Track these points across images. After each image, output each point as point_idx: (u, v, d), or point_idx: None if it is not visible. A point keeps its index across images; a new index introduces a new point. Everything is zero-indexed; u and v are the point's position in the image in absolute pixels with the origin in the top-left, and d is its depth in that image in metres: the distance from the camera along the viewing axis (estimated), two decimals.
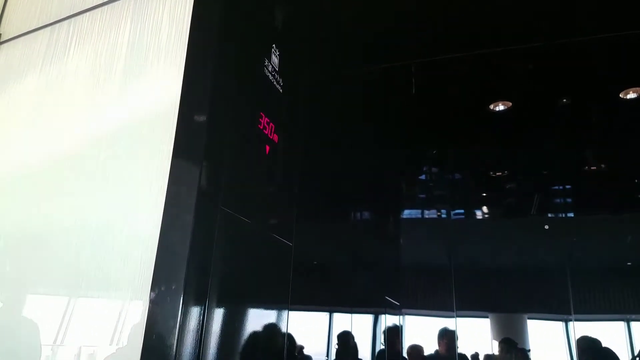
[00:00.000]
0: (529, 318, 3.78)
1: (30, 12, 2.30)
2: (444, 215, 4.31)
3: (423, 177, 4.26)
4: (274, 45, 2.05)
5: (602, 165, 3.59)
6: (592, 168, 3.63)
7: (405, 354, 3.82)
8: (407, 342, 3.86)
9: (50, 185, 1.85)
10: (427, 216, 4.33)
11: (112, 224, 1.61)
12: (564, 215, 3.97)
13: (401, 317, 3.94)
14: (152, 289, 1.42)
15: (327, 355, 2.90)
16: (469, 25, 2.36)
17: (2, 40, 2.35)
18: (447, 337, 3.75)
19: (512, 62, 2.61)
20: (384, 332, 3.76)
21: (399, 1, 2.25)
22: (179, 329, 1.36)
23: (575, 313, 3.51)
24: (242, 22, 1.85)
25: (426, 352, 3.78)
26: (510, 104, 3.04)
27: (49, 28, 2.16)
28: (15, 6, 2.42)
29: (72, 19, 2.09)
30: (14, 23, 2.36)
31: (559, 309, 3.59)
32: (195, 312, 1.43)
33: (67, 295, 1.64)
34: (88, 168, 1.76)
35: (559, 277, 3.63)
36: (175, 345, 1.34)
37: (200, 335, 1.44)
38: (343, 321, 3.09)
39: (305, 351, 2.60)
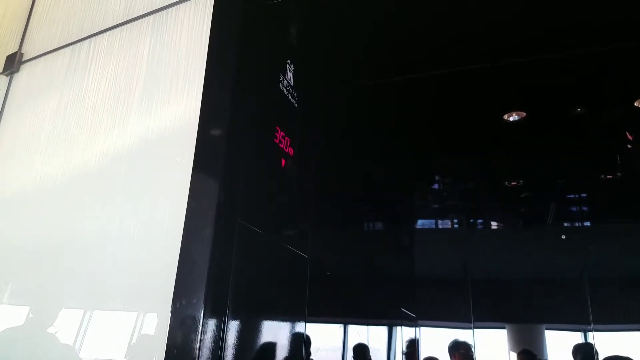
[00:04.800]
0: (547, 329, 3.73)
1: (52, 31, 2.37)
2: (456, 225, 4.29)
3: (436, 186, 4.25)
4: (288, 60, 2.09)
5: (618, 174, 3.55)
6: (608, 176, 3.59)
7: None
8: (424, 354, 3.82)
9: (72, 200, 1.89)
10: (441, 227, 4.31)
11: (133, 238, 1.64)
12: (580, 225, 3.93)
13: (417, 329, 3.90)
14: (174, 302, 1.43)
15: None
16: (481, 37, 2.37)
17: (24, 59, 2.41)
18: (460, 349, 3.71)
19: (526, 72, 2.62)
20: (400, 344, 3.72)
21: (412, 14, 2.28)
22: (200, 343, 1.37)
23: (594, 323, 3.45)
24: (259, 40, 1.88)
25: None
26: (525, 113, 3.04)
27: (69, 47, 2.22)
28: (37, 26, 2.49)
29: (93, 39, 2.14)
30: (35, 42, 2.43)
31: (577, 319, 3.54)
32: (216, 325, 1.44)
33: (88, 308, 1.66)
34: (109, 183, 1.79)
35: (577, 287, 3.58)
36: (197, 358, 1.35)
37: (221, 349, 1.45)
38: (359, 333, 3.08)
39: None
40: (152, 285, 1.53)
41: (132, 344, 1.52)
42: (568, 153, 3.48)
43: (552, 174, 3.72)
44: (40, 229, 1.94)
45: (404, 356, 3.67)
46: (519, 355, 3.61)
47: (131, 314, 1.56)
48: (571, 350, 3.38)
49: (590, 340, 3.43)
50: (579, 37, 2.31)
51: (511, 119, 3.05)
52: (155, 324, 1.49)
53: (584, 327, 3.47)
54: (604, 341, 3.39)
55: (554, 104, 2.93)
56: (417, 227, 4.25)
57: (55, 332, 1.71)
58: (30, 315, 1.82)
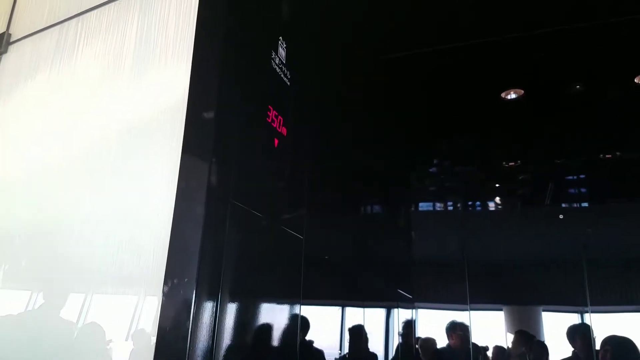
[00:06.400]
0: (544, 310, 3.74)
1: (39, 11, 2.32)
2: (450, 207, 4.27)
3: (434, 169, 4.22)
4: (280, 37, 2.05)
5: (618, 153, 3.52)
6: (607, 156, 3.56)
7: (417, 347, 3.81)
8: (420, 335, 3.84)
9: (62, 182, 1.87)
10: (438, 209, 4.29)
11: (124, 219, 1.62)
12: (578, 205, 3.91)
13: (414, 310, 3.92)
14: (165, 282, 1.42)
15: (340, 349, 2.90)
16: (478, 12, 2.32)
17: (11, 40, 2.37)
18: (458, 330, 3.73)
19: (523, 49, 2.57)
20: (397, 325, 3.74)
21: None
22: (192, 322, 1.36)
23: (591, 305, 3.46)
24: (249, 16, 1.84)
25: (439, 345, 3.76)
26: (523, 91, 2.99)
27: (57, 27, 2.17)
28: (24, 6, 2.45)
29: (80, 17, 2.10)
30: (23, 23, 2.38)
31: (574, 300, 3.54)
32: (208, 305, 1.43)
33: (81, 291, 1.66)
34: (99, 164, 1.77)
35: (575, 268, 3.57)
36: (189, 338, 1.34)
37: (213, 328, 1.44)
38: (355, 315, 3.09)
39: (318, 345, 2.59)
40: (143, 266, 1.52)
41: (123, 324, 1.51)
42: (567, 132, 3.45)
43: (550, 153, 3.70)
44: (30, 212, 1.92)
45: (400, 337, 3.68)
46: (514, 335, 3.63)
47: (124, 295, 1.55)
48: (566, 332, 3.39)
49: (587, 321, 3.44)
50: (578, 10, 2.26)
51: (509, 97, 3.00)
52: (148, 304, 1.48)
53: (581, 308, 3.48)
54: (600, 322, 3.40)
55: (553, 81, 2.89)
56: (414, 208, 4.24)
57: (48, 315, 1.71)
58: (23, 299, 1.81)
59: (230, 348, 1.53)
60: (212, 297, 1.46)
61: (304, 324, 2.23)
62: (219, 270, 1.51)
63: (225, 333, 1.51)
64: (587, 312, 3.45)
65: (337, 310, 2.88)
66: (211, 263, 1.47)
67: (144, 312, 1.48)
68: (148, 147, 1.66)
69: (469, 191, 4.06)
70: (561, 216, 3.62)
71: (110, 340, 1.53)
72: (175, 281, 1.42)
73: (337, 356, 2.85)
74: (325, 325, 2.74)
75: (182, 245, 1.45)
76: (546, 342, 3.53)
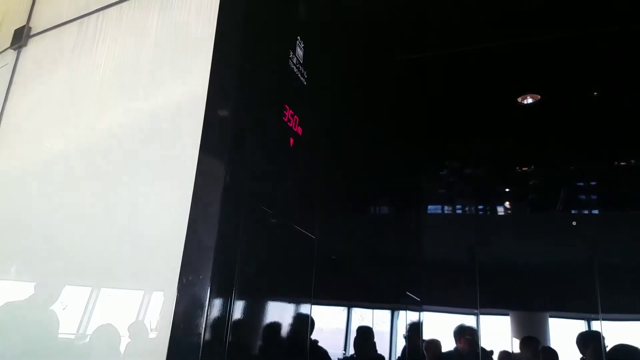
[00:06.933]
0: (554, 317, 3.70)
1: (60, 5, 2.33)
2: (459, 211, 4.24)
3: (446, 172, 4.20)
4: (298, 37, 2.05)
5: (632, 161, 3.48)
6: (622, 163, 3.52)
7: (423, 349, 3.79)
8: (427, 338, 3.82)
9: (79, 177, 1.88)
10: (449, 212, 4.27)
11: (140, 214, 1.63)
12: (588, 212, 3.87)
13: (421, 313, 3.90)
14: (180, 279, 1.43)
15: (345, 350, 2.89)
16: (497, 15, 2.30)
17: (32, 33, 2.39)
18: (466, 334, 3.71)
19: (541, 54, 2.54)
20: (404, 327, 3.72)
21: None
22: (206, 319, 1.37)
23: (602, 312, 3.42)
24: (268, 15, 1.84)
25: (445, 349, 3.74)
26: (539, 96, 2.95)
27: (77, 21, 2.19)
28: (44, 0, 2.46)
29: (100, 13, 2.11)
30: (43, 16, 2.40)
31: (585, 307, 3.51)
32: (222, 302, 1.44)
33: (95, 284, 1.67)
34: (116, 159, 1.78)
35: (586, 275, 3.54)
36: (202, 335, 1.35)
37: (226, 325, 1.44)
38: (363, 316, 3.08)
39: (325, 345, 2.59)
40: (159, 262, 1.53)
41: (137, 319, 1.52)
42: (581, 138, 3.41)
43: (564, 159, 3.66)
44: (47, 205, 1.93)
45: (407, 340, 3.67)
46: (522, 341, 3.60)
47: (137, 289, 1.56)
48: (576, 339, 3.34)
49: (597, 329, 3.40)
50: (595, 15, 2.23)
51: (525, 102, 2.98)
52: (162, 300, 1.49)
53: (591, 315, 3.44)
54: (612, 330, 3.36)
55: (570, 86, 2.85)
56: (425, 211, 4.22)
57: (64, 308, 1.72)
58: (38, 291, 1.83)
59: (242, 345, 1.54)
60: (226, 294, 1.46)
61: (310, 322, 2.23)
62: (233, 267, 1.51)
63: (239, 330, 1.51)
64: (597, 319, 3.41)
65: (345, 310, 2.88)
66: (226, 260, 1.48)
67: (159, 307, 1.49)
68: (166, 143, 1.67)
69: (480, 195, 4.03)
70: (574, 223, 3.58)
71: (124, 335, 1.54)
72: (190, 278, 1.43)
73: (345, 356, 2.85)
74: (334, 325, 2.74)
75: (198, 242, 1.46)
76: (556, 349, 3.49)
